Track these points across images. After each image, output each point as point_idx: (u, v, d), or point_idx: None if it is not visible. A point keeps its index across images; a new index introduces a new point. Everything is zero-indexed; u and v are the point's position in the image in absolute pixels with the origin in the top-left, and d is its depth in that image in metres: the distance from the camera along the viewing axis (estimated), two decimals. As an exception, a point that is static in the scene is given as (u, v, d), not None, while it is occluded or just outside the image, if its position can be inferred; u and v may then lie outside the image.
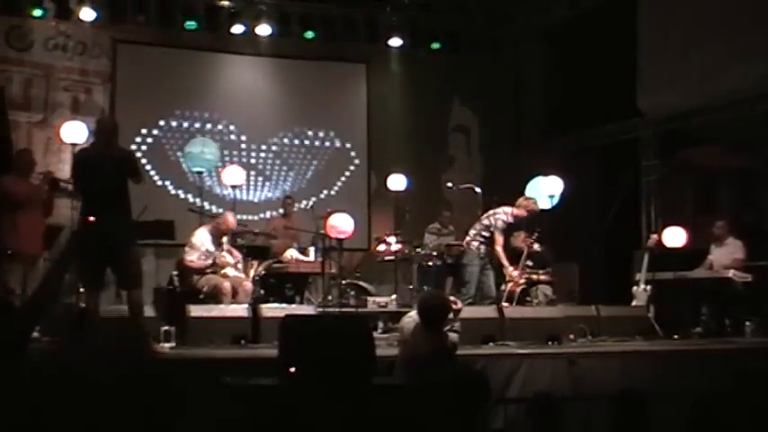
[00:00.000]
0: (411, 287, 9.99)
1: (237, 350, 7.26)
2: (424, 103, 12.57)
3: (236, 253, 8.99)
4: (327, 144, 12.38)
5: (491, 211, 9.29)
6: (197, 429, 5.33)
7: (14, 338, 4.98)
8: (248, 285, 8.68)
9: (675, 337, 8.62)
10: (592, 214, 11.17)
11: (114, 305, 7.83)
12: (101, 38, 11.32)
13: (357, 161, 12.48)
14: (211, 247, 8.68)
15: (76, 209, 7.14)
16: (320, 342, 5.03)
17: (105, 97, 11.35)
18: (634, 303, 9.42)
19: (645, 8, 11.06)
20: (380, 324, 8.72)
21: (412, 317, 6.03)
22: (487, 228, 9.18)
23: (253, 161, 11.97)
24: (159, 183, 11.42)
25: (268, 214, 11.75)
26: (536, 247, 9.39)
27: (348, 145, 12.48)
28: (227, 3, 11.65)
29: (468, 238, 9.33)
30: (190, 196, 11.18)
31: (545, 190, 9.75)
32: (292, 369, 4.85)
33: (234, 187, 10.21)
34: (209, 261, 8.62)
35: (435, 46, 12.58)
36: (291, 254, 9.94)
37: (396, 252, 9.97)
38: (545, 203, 9.58)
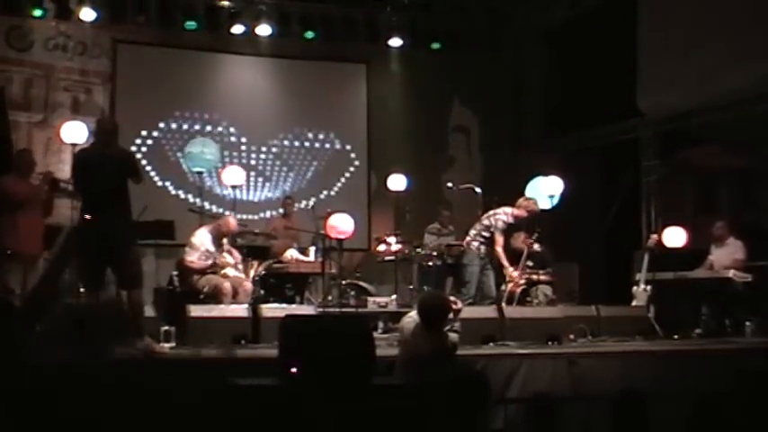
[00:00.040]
0: (411, 287, 9.99)
1: (237, 350, 7.25)
2: (424, 103, 12.57)
3: (236, 253, 8.99)
4: (327, 146, 12.38)
5: (491, 212, 9.29)
6: (197, 429, 5.33)
7: (15, 338, 4.98)
8: (248, 285, 8.68)
9: (675, 337, 8.62)
10: (592, 214, 11.16)
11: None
12: (101, 38, 11.33)
13: (357, 162, 12.48)
14: (211, 248, 8.68)
15: (76, 209, 7.14)
16: (320, 342, 5.03)
17: (105, 97, 11.36)
18: (634, 303, 9.42)
19: (645, 8, 11.06)
20: (380, 324, 8.72)
21: (412, 317, 6.03)
22: (488, 228, 9.19)
23: (253, 162, 11.97)
24: (159, 183, 11.42)
25: (268, 214, 11.75)
26: (536, 247, 9.38)
27: (348, 147, 12.48)
28: (227, 3, 11.65)
29: (468, 239, 9.33)
30: (190, 196, 11.18)
31: (545, 190, 9.74)
32: (293, 369, 4.85)
33: (234, 187, 10.21)
34: (210, 261, 8.62)
35: (435, 46, 12.59)
36: (291, 254, 9.94)
37: (396, 252, 9.96)
38: (545, 203, 9.57)
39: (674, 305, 9.29)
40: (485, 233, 9.20)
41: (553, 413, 4.97)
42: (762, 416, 4.40)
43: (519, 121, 13.24)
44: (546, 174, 9.96)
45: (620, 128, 11.53)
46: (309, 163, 12.29)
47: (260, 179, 12.02)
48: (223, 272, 8.65)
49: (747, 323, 8.61)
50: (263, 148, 12.08)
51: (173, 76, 11.66)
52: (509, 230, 9.23)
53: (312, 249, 10.01)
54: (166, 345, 6.98)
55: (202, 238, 8.70)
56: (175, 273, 8.92)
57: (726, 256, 9.28)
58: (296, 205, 11.17)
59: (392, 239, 10.03)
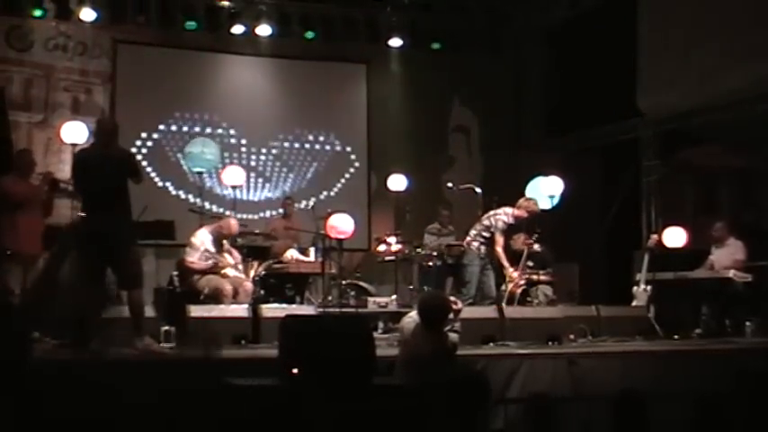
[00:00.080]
0: (411, 287, 9.99)
1: (237, 350, 7.25)
2: (424, 103, 12.56)
3: (236, 253, 8.99)
4: (328, 147, 12.38)
5: (492, 212, 9.29)
6: (197, 429, 5.33)
7: (14, 338, 4.98)
8: (248, 286, 8.68)
9: (676, 337, 8.61)
10: (592, 214, 11.16)
11: (114, 305, 7.84)
12: (101, 38, 11.33)
13: (357, 164, 12.48)
14: (212, 248, 8.68)
15: (77, 209, 7.14)
16: (320, 342, 5.03)
17: (105, 97, 11.36)
18: (634, 303, 9.42)
19: (645, 8, 11.06)
20: (381, 324, 8.72)
21: (412, 317, 6.03)
22: (488, 228, 9.19)
23: (253, 163, 11.97)
24: (160, 184, 11.43)
25: (268, 213, 11.75)
26: (536, 247, 9.39)
27: (348, 148, 12.48)
28: (227, 3, 11.65)
29: (468, 239, 9.34)
30: (190, 197, 11.17)
31: (545, 190, 9.74)
32: (294, 370, 4.85)
33: (234, 187, 10.21)
34: (210, 262, 8.62)
35: (435, 46, 12.59)
36: (292, 254, 9.94)
37: (396, 252, 9.96)
38: (545, 204, 9.57)
39: (674, 305, 9.29)
40: (485, 233, 9.20)
41: (551, 413, 4.98)
42: (762, 416, 4.40)
43: (519, 121, 13.23)
44: (546, 174, 9.96)
45: (620, 128, 11.52)
46: (309, 164, 12.29)
47: (260, 180, 12.02)
48: (223, 272, 8.66)
49: (747, 323, 8.61)
50: (263, 150, 12.08)
51: (173, 76, 11.66)
52: (509, 231, 9.23)
53: (312, 249, 10.01)
54: (166, 345, 6.98)
55: (203, 239, 8.71)
56: (176, 273, 8.93)
57: (726, 256, 9.27)
58: (296, 205, 11.17)
59: (392, 239, 10.03)
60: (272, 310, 7.99)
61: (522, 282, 9.30)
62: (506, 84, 13.12)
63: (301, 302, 9.39)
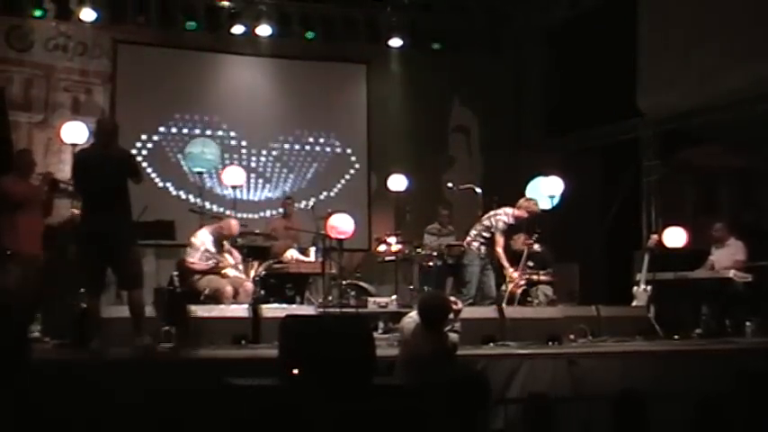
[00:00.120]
0: (411, 287, 9.99)
1: (237, 350, 7.26)
2: (424, 103, 12.57)
3: (236, 254, 9.00)
4: (328, 149, 12.38)
5: (492, 212, 9.29)
6: (197, 429, 5.33)
7: (14, 338, 4.98)
8: (249, 286, 8.68)
9: (676, 337, 8.61)
10: (592, 214, 11.16)
11: (114, 305, 7.84)
12: (101, 38, 11.33)
13: (357, 166, 12.48)
14: (212, 248, 8.68)
15: (77, 209, 7.14)
16: (320, 342, 5.03)
17: (105, 98, 11.36)
18: (634, 304, 9.42)
19: (645, 8, 11.06)
20: (381, 324, 8.72)
21: (412, 317, 6.03)
22: (488, 228, 9.19)
23: (253, 165, 11.97)
24: (160, 184, 11.43)
25: (268, 213, 11.76)
26: (536, 247, 9.39)
27: (348, 150, 12.48)
28: (227, 3, 11.65)
29: (468, 239, 9.34)
30: (191, 197, 11.18)
31: (545, 190, 9.74)
32: (294, 370, 4.85)
33: (234, 187, 10.22)
34: (211, 263, 8.62)
35: (435, 46, 12.59)
36: (292, 254, 9.94)
37: (396, 252, 9.96)
38: (545, 204, 9.57)
39: (674, 305, 9.29)
40: (485, 233, 9.20)
41: (551, 413, 4.97)
42: (762, 416, 4.40)
43: (519, 121, 13.24)
44: (546, 174, 9.96)
45: (620, 128, 11.52)
46: (309, 164, 12.30)
47: (260, 180, 12.03)
48: (223, 272, 8.66)
49: (748, 323, 8.62)
50: (264, 152, 12.08)
51: (173, 76, 11.67)
52: (509, 231, 9.23)
53: (312, 250, 10.01)
54: (166, 345, 6.98)
55: (203, 239, 8.71)
56: (176, 273, 8.93)
57: (726, 256, 9.27)
58: (296, 205, 11.17)
59: (392, 240, 10.03)
60: (273, 310, 7.99)
61: (523, 282, 9.30)
62: (506, 84, 13.12)
63: (301, 302, 9.40)
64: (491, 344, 7.73)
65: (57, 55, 11.13)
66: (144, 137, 11.44)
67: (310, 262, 9.89)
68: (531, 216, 9.21)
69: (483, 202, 9.77)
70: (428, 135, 12.66)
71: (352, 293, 9.58)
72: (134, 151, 10.53)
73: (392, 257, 10.04)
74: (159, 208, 9.29)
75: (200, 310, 7.77)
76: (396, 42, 12.30)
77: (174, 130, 11.66)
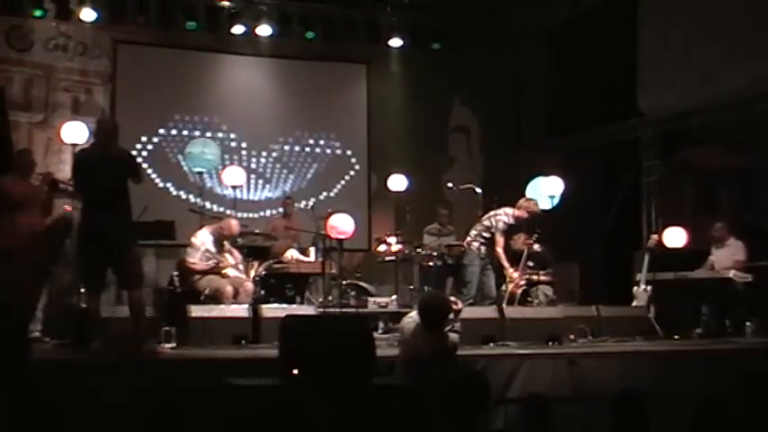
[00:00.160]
0: (411, 287, 10.00)
1: (237, 350, 7.26)
2: (424, 103, 12.56)
3: (236, 253, 9.00)
4: (328, 151, 12.37)
5: (492, 212, 9.29)
6: (198, 429, 5.33)
7: (14, 338, 4.98)
8: (249, 286, 8.68)
9: (676, 337, 8.62)
10: (592, 214, 11.16)
11: (115, 306, 7.85)
12: (101, 38, 11.32)
13: (357, 167, 12.47)
14: (212, 248, 8.68)
15: (77, 209, 7.14)
16: (320, 342, 5.03)
17: (106, 98, 11.36)
18: (634, 304, 9.43)
19: (645, 8, 11.05)
20: (381, 324, 8.73)
21: (412, 317, 6.03)
22: (488, 228, 9.19)
23: (253, 166, 11.97)
24: (161, 185, 11.42)
25: (268, 213, 11.76)
26: (536, 247, 9.39)
27: (349, 152, 12.46)
28: (227, 3, 11.64)
29: (468, 239, 9.34)
30: (191, 197, 11.17)
31: (545, 190, 9.74)
32: (295, 370, 4.85)
33: (234, 187, 10.22)
34: (211, 263, 8.62)
35: (435, 46, 12.58)
36: (292, 254, 9.94)
37: (396, 252, 9.97)
38: (545, 204, 9.57)
39: (674, 305, 9.29)
40: (485, 234, 9.20)
41: (551, 413, 4.98)
42: (762, 416, 4.40)
43: (519, 121, 13.23)
44: (546, 174, 9.96)
45: (620, 128, 11.52)
46: (309, 165, 12.29)
47: (260, 181, 12.02)
48: (224, 272, 8.66)
49: (748, 323, 8.61)
50: (264, 153, 12.07)
51: (173, 76, 11.66)
52: (509, 231, 9.23)
53: (312, 249, 10.01)
54: (167, 345, 6.98)
55: (203, 239, 8.71)
56: (176, 273, 8.93)
57: (726, 257, 9.28)
58: (296, 205, 11.17)
59: (392, 240, 10.03)
60: (273, 310, 8.00)
61: (523, 282, 9.30)
62: (506, 84, 13.12)
63: (301, 302, 9.39)
64: (491, 344, 7.74)
65: (57, 55, 11.13)
66: (144, 138, 11.43)
67: (310, 262, 9.89)
68: (531, 216, 9.21)
69: (483, 202, 9.77)
70: (428, 135, 12.66)
71: (352, 293, 9.58)
72: (134, 152, 10.52)
73: (392, 257, 10.04)
74: (159, 208, 9.29)
75: (200, 310, 7.78)
76: (396, 42, 12.30)
77: (174, 131, 11.65)
